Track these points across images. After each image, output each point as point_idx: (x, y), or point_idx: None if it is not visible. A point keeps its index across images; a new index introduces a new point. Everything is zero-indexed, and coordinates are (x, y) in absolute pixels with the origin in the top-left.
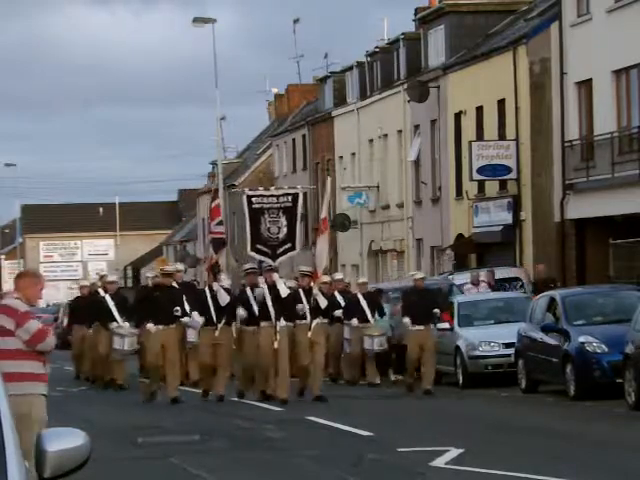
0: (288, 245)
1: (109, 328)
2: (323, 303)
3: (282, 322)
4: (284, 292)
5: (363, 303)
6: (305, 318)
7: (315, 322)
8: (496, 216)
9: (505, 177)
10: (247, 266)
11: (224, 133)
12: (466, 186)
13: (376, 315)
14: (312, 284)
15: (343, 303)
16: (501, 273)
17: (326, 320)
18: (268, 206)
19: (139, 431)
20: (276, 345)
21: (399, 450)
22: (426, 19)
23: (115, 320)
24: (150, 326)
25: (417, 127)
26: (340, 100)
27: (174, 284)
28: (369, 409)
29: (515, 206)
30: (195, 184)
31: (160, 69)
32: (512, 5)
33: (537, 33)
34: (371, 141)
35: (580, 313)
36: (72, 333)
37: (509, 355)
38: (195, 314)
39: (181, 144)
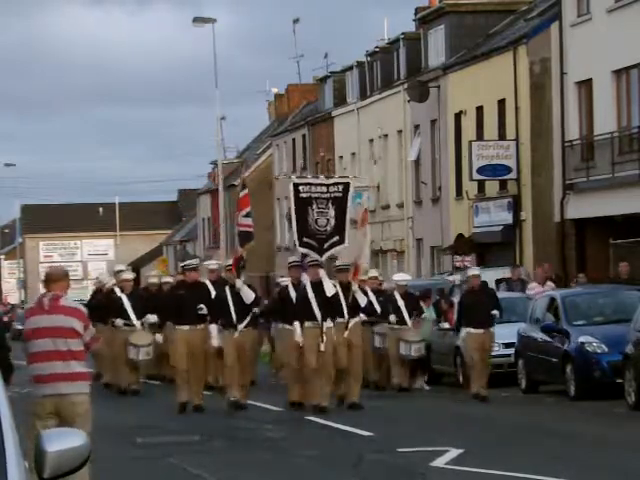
0: (336, 238)
1: (117, 325)
2: (362, 301)
3: (328, 322)
4: (330, 290)
5: (401, 304)
6: (343, 316)
7: (353, 321)
8: (496, 216)
9: (505, 177)
10: (291, 259)
11: (224, 133)
12: (466, 186)
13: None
14: (352, 280)
15: (377, 303)
16: (502, 273)
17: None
18: (316, 195)
19: (139, 431)
20: (322, 347)
21: (399, 450)
22: (426, 19)
23: (131, 322)
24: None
25: (417, 127)
26: (340, 100)
27: (207, 282)
28: (369, 409)
29: (515, 206)
30: (195, 184)
31: (160, 69)
32: (512, 5)
33: (537, 33)
34: (371, 141)
35: (580, 313)
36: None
37: (509, 355)
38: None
39: (181, 144)
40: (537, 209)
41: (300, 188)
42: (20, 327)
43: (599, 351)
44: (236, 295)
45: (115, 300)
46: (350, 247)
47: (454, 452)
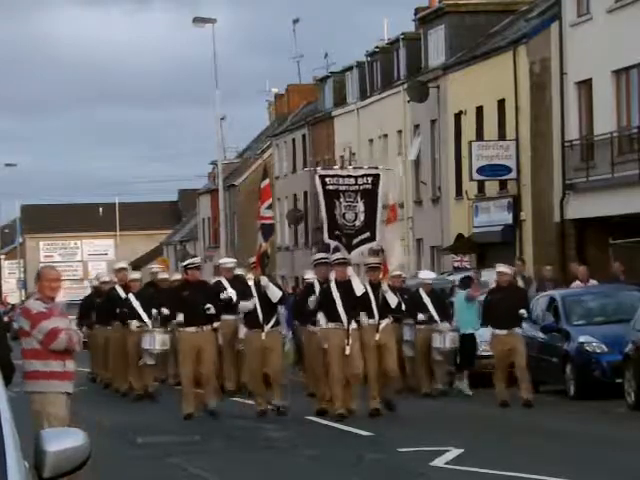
0: (366, 235)
1: (132, 328)
2: (393, 301)
3: (354, 324)
4: (359, 290)
5: (427, 303)
6: (373, 317)
7: (385, 322)
8: (496, 216)
9: (505, 177)
10: (317, 256)
11: (224, 133)
12: (466, 186)
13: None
14: (382, 279)
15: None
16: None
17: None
18: (344, 188)
19: (139, 431)
20: (347, 351)
21: (399, 450)
22: (426, 19)
23: (143, 322)
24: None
25: (417, 127)
26: (340, 100)
27: (223, 280)
28: (369, 409)
29: (515, 206)
30: (195, 184)
31: (160, 69)
32: (512, 5)
33: (537, 33)
34: (371, 141)
35: (580, 313)
36: (91, 333)
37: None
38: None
39: (181, 144)
40: (537, 209)
41: (327, 180)
42: None
43: (599, 351)
44: (262, 294)
45: (121, 301)
46: (379, 244)
47: (454, 452)
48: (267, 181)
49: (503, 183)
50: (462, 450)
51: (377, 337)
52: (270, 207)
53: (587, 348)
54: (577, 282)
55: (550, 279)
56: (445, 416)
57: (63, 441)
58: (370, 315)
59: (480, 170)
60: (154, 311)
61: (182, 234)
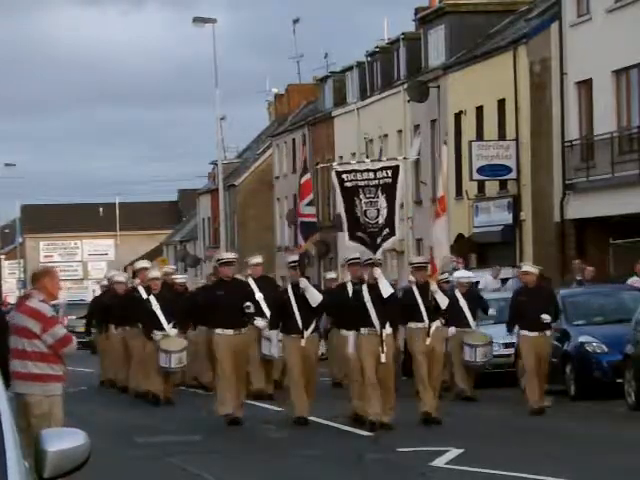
0: (386, 231)
1: (152, 337)
2: (443, 302)
3: (388, 329)
4: (386, 291)
5: (463, 305)
6: (422, 320)
7: (435, 326)
8: (496, 216)
9: (505, 177)
10: (349, 256)
11: (224, 133)
12: (466, 186)
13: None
14: (430, 279)
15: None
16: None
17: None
18: (364, 183)
19: (139, 431)
20: (383, 358)
21: (399, 450)
22: (426, 19)
23: (161, 327)
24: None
25: (417, 127)
26: (340, 100)
27: (250, 281)
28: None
29: (515, 206)
30: (195, 184)
31: (160, 69)
32: (512, 5)
33: (537, 33)
34: (371, 141)
35: (580, 313)
36: (104, 336)
37: (509, 355)
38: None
39: (181, 144)
40: (537, 209)
41: (344, 176)
42: None
43: (599, 351)
44: (301, 297)
45: (141, 302)
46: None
47: (454, 452)
48: (308, 176)
49: (503, 183)
50: (462, 450)
51: (427, 341)
52: (311, 203)
53: (587, 348)
54: (635, 278)
55: (590, 280)
56: (445, 416)
57: (63, 441)
58: (419, 318)
59: (480, 170)
60: (170, 327)
61: (182, 234)
